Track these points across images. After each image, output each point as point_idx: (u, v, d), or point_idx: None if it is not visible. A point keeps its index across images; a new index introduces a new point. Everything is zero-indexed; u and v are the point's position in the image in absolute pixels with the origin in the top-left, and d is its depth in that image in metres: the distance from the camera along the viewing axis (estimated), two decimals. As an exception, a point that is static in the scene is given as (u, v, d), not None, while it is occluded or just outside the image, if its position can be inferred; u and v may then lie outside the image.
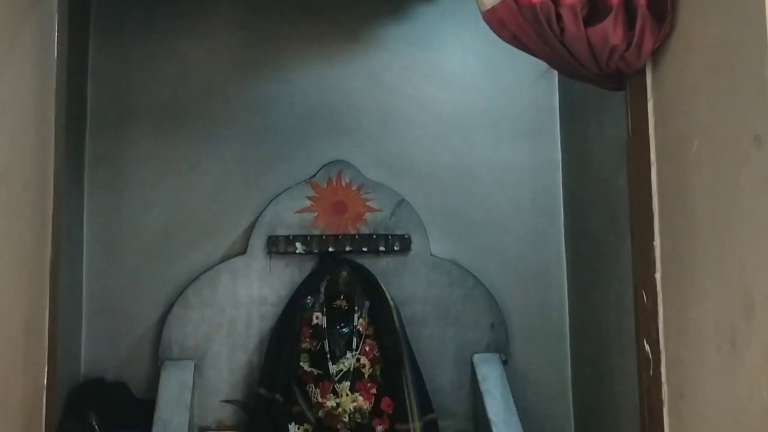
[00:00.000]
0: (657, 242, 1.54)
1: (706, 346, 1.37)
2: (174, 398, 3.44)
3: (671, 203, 1.50)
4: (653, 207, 1.55)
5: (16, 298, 1.38)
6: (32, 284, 1.45)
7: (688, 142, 1.47)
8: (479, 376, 3.80)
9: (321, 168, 3.94)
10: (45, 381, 1.40)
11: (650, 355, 1.56)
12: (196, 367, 3.65)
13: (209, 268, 3.80)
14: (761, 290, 1.20)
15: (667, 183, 1.52)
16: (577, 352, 4.08)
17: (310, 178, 3.94)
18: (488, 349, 3.91)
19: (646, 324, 1.56)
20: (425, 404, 3.55)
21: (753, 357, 1.24)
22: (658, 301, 1.53)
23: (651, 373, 1.55)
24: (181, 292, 3.76)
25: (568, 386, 4.12)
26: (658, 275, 1.54)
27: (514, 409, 3.67)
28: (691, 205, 1.43)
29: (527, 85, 4.15)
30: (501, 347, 3.93)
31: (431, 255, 3.95)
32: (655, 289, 1.53)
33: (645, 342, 1.57)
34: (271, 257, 3.82)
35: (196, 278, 3.78)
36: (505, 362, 3.89)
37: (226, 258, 3.86)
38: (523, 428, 3.60)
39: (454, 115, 4.10)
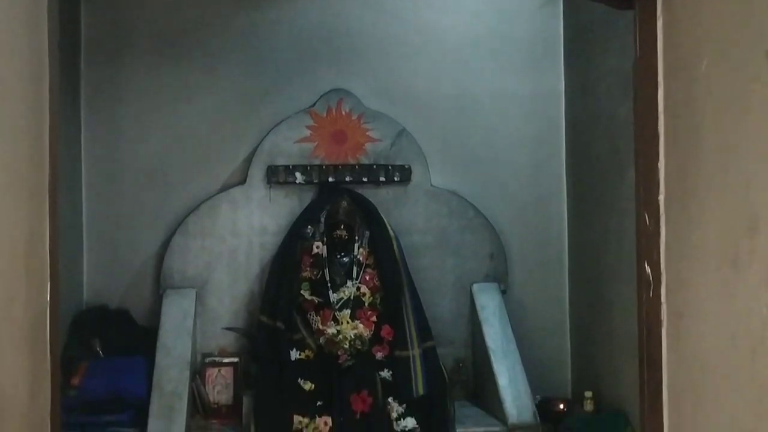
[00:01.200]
0: (662, 164, 1.52)
1: (707, 266, 1.38)
2: (176, 325, 3.48)
3: (678, 124, 1.48)
4: (659, 128, 1.52)
5: (14, 218, 1.36)
6: (30, 205, 1.44)
7: (697, 60, 1.43)
8: (478, 305, 3.84)
9: (320, 97, 3.89)
10: (48, 301, 1.40)
11: (651, 277, 1.56)
12: (198, 296, 3.69)
13: (209, 198, 3.80)
14: (766, 207, 1.19)
15: (674, 103, 1.50)
16: (575, 282, 4.12)
17: (310, 107, 3.89)
18: (487, 278, 3.95)
19: (647, 246, 1.56)
20: (424, 332, 3.60)
21: (754, 274, 1.24)
22: (660, 224, 1.53)
23: (651, 294, 1.56)
24: (181, 221, 3.77)
25: (565, 316, 4.18)
26: (661, 197, 1.53)
27: (512, 337, 3.73)
28: (698, 125, 1.41)
29: (532, 12, 4.06)
30: (500, 277, 3.96)
31: (431, 186, 3.95)
32: (658, 212, 1.53)
33: (646, 264, 1.57)
34: (270, 187, 3.81)
35: (196, 208, 3.78)
36: (503, 292, 3.94)
37: (225, 188, 3.85)
38: (520, 356, 3.66)
39: (456, 42, 4.03)
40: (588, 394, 3.59)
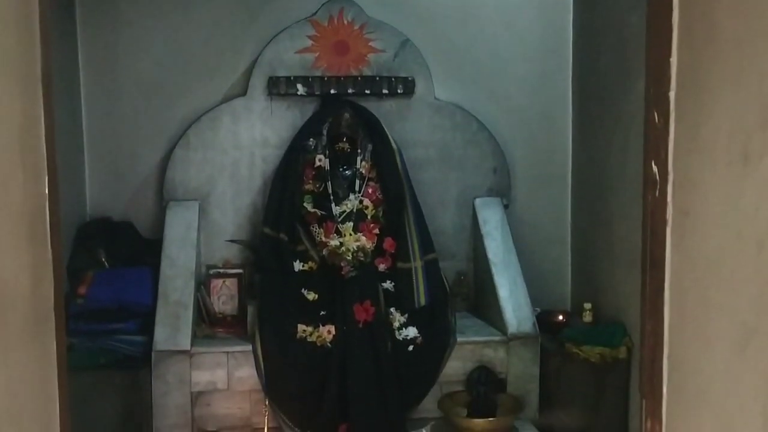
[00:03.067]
0: (674, 59, 1.48)
1: (716, 163, 1.35)
2: (180, 237, 3.50)
3: (692, 15, 1.43)
4: (673, 21, 1.47)
5: (4, 102, 1.32)
6: (23, 89, 1.39)
7: (715, -52, 1.37)
8: (480, 219, 3.85)
9: (321, 5, 3.78)
10: (46, 189, 1.39)
11: (657, 176, 1.54)
12: (201, 208, 3.69)
13: (210, 110, 3.75)
14: (781, 98, 1.16)
15: (690, -5, 1.44)
16: (577, 197, 4.11)
17: (311, 16, 3.78)
18: (490, 193, 3.94)
19: (655, 144, 1.54)
20: (427, 244, 3.62)
21: (765, 168, 1.22)
22: (669, 121, 1.50)
23: (656, 194, 1.54)
24: (182, 133, 3.74)
25: (567, 230, 4.20)
26: (672, 93, 1.49)
27: (514, 250, 3.75)
28: (713, 16, 1.36)
29: None
30: (503, 191, 3.95)
31: (435, 98, 3.89)
32: (668, 108, 1.49)
33: (653, 163, 1.55)
34: (271, 99, 3.75)
35: (197, 119, 3.74)
36: (506, 206, 3.94)
37: (226, 99, 3.79)
38: (521, 269, 3.69)
39: (462, -52, 3.89)
40: (587, 305, 3.63)
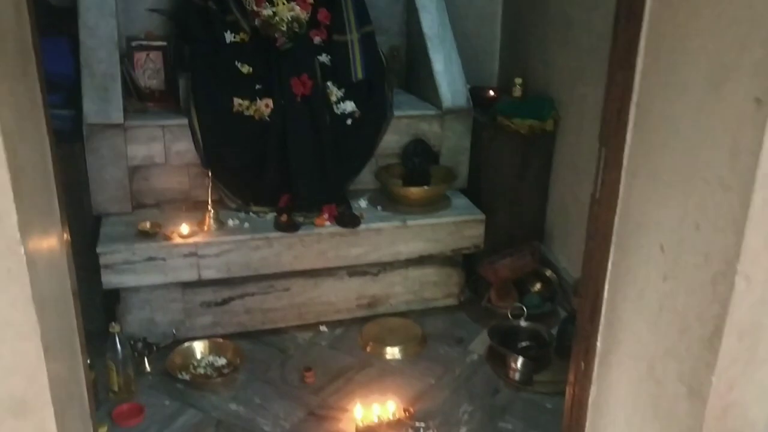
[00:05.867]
0: None
1: None
2: (96, 4, 3.20)
3: None
4: None
5: None
6: None
7: None
8: (415, -8, 3.74)
9: None
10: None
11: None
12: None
13: None
14: None
15: None
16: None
17: None
18: (425, -37, 3.79)
19: None
20: (363, 16, 3.52)
21: None
22: None
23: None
24: None
25: (498, 6, 4.16)
26: None
27: (449, 24, 3.71)
28: None
29: None
30: (439, -34, 3.81)
31: None
32: None
33: None
34: None
35: None
36: (440, -21, 3.82)
37: None
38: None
39: None
40: (518, 80, 3.72)
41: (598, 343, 1.71)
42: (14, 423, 1.03)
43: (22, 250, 0.97)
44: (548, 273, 3.51)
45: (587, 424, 1.81)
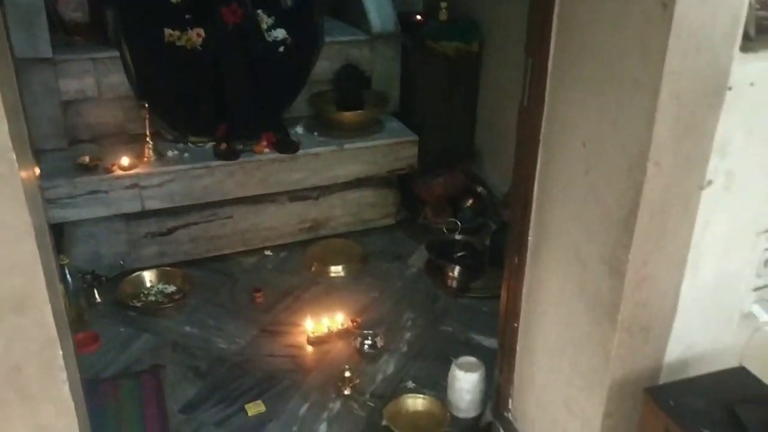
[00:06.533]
0: None
1: None
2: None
3: None
4: None
5: None
6: None
7: None
8: None
9: None
10: None
11: None
12: None
13: None
14: None
15: None
16: None
17: None
18: None
19: None
20: None
21: None
22: None
23: None
24: None
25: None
26: None
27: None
28: None
29: None
30: None
31: None
32: None
33: None
34: None
35: None
36: None
37: None
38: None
39: None
40: (443, 4, 3.81)
41: (530, 237, 1.90)
42: (16, 319, 1.12)
43: (13, 156, 1.04)
44: (479, 189, 3.70)
45: (522, 312, 2.02)
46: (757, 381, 1.58)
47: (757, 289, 1.70)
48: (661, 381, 1.67)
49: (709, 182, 1.49)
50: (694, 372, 1.65)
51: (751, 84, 1.43)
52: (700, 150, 1.44)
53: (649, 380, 1.65)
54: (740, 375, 1.61)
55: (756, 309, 1.69)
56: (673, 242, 1.52)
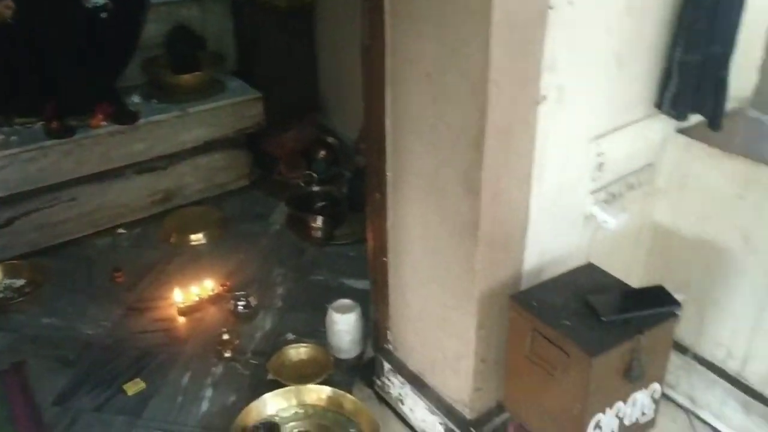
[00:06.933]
0: None
1: None
2: None
3: None
4: None
5: None
6: None
7: None
8: None
9: None
10: None
11: None
12: None
13: None
14: None
15: None
16: None
17: None
18: None
19: None
20: None
21: None
22: None
23: None
24: None
25: None
26: None
27: None
28: None
29: None
30: None
31: None
32: None
33: None
34: None
35: None
36: None
37: None
38: None
39: None
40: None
41: (388, 173, 1.96)
42: None
43: None
44: (330, 139, 3.73)
45: (389, 246, 2.09)
46: (603, 273, 1.76)
47: (594, 191, 1.87)
48: (523, 287, 1.81)
49: (544, 97, 1.61)
50: (550, 274, 1.80)
51: (570, 2, 1.55)
52: (532, 68, 1.55)
53: (513, 288, 1.79)
54: (589, 270, 1.78)
55: (595, 210, 1.87)
56: (518, 157, 1.64)
